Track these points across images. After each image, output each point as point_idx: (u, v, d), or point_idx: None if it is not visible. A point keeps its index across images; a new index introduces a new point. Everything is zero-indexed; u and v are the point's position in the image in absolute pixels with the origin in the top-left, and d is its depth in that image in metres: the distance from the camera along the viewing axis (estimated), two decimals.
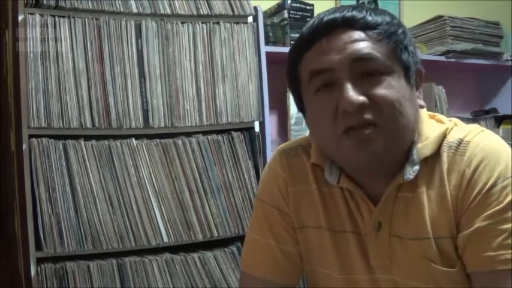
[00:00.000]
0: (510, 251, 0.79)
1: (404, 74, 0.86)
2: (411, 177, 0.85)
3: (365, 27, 0.84)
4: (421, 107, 0.91)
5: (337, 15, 0.85)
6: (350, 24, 0.84)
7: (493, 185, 0.82)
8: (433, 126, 0.91)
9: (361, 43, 0.83)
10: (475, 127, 0.90)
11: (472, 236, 0.82)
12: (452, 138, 0.88)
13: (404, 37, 0.87)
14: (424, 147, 0.87)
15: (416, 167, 0.86)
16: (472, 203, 0.83)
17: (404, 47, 0.86)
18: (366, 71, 0.83)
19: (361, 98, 0.81)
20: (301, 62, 0.89)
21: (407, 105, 0.84)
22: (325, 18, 0.85)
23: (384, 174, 0.88)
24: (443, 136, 0.88)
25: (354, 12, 0.85)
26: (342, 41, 0.84)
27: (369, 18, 0.85)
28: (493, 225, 0.81)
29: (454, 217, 0.85)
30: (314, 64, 0.86)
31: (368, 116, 0.82)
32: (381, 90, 0.82)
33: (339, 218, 0.94)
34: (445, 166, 0.86)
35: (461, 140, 0.87)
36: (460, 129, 0.90)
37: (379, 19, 0.85)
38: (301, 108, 0.95)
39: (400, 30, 0.87)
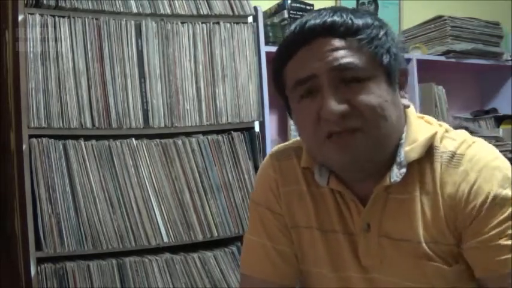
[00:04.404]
0: None
1: (386, 77, 0.86)
2: (398, 179, 0.86)
3: (345, 33, 0.84)
4: (406, 106, 0.91)
5: (318, 22, 0.85)
6: (330, 31, 0.84)
7: (495, 197, 0.83)
8: (420, 128, 0.91)
9: (341, 51, 0.84)
10: (466, 137, 0.90)
11: (480, 246, 0.83)
12: (445, 148, 0.88)
13: (386, 39, 0.87)
14: (411, 150, 0.87)
15: (403, 170, 0.86)
16: (477, 216, 0.83)
17: (386, 50, 0.86)
18: (346, 79, 0.84)
19: (342, 107, 0.82)
20: (285, 69, 0.90)
21: (390, 108, 0.85)
22: (306, 26, 0.85)
23: (371, 175, 0.89)
24: (432, 140, 0.89)
25: (335, 18, 0.85)
26: (322, 50, 0.84)
27: (349, 23, 0.84)
28: (501, 233, 0.82)
29: (447, 226, 0.86)
30: (297, 74, 0.87)
31: (349, 123, 0.83)
32: (362, 97, 0.83)
33: (329, 218, 0.95)
34: (438, 177, 0.87)
35: (454, 152, 0.87)
36: (451, 139, 0.90)
37: (360, 23, 0.85)
38: (288, 110, 0.96)
39: (381, 33, 0.86)
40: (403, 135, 0.89)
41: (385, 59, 0.86)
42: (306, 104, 0.86)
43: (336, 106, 0.82)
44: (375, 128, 0.83)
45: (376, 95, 0.84)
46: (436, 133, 0.89)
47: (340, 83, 0.84)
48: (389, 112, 0.85)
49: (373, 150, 0.85)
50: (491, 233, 0.82)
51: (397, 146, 0.88)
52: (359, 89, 0.83)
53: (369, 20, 0.86)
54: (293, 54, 0.87)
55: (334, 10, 0.87)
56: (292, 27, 0.88)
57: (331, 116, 0.82)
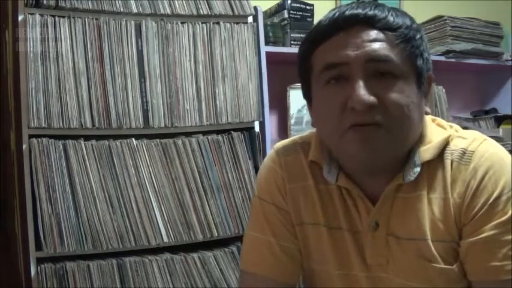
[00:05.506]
0: None
1: (416, 80, 0.86)
2: (412, 178, 0.86)
3: (385, 28, 0.84)
4: (427, 113, 0.91)
5: (360, 11, 0.84)
6: (371, 22, 0.84)
7: (499, 196, 0.83)
8: (435, 131, 0.92)
9: (379, 43, 0.83)
10: (476, 135, 0.90)
11: (477, 244, 0.83)
12: (455, 146, 0.89)
13: (421, 43, 0.87)
14: (426, 150, 0.88)
15: (417, 169, 0.86)
16: (478, 212, 0.84)
17: (420, 53, 0.86)
18: (379, 72, 0.83)
19: (372, 99, 0.81)
20: (316, 51, 0.88)
21: (415, 111, 0.85)
22: (347, 13, 0.85)
23: (383, 173, 0.89)
24: (446, 142, 0.89)
25: (376, 11, 0.85)
26: (361, 39, 0.83)
27: (390, 19, 0.84)
28: (498, 235, 0.82)
29: (455, 224, 0.86)
30: (330, 57, 0.85)
31: (376, 117, 0.82)
32: (392, 94, 0.82)
33: (336, 215, 0.94)
34: (448, 174, 0.87)
35: (465, 149, 0.87)
36: (462, 138, 0.90)
37: (399, 21, 0.85)
38: (306, 95, 0.95)
39: (418, 36, 0.87)
40: (419, 137, 0.89)
41: (419, 61, 0.86)
42: (332, 90, 0.86)
43: (367, 96, 0.81)
44: (398, 127, 0.83)
45: (405, 94, 0.83)
46: (449, 136, 0.90)
47: (372, 76, 0.83)
48: (414, 114, 0.85)
49: (392, 148, 0.85)
50: (488, 234, 0.82)
51: (413, 146, 0.88)
52: (390, 84, 0.83)
53: (408, 22, 0.86)
54: (328, 38, 0.86)
55: (376, 5, 0.87)
56: (331, 13, 0.87)
57: (360, 105, 0.81)
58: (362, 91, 0.81)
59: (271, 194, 1.00)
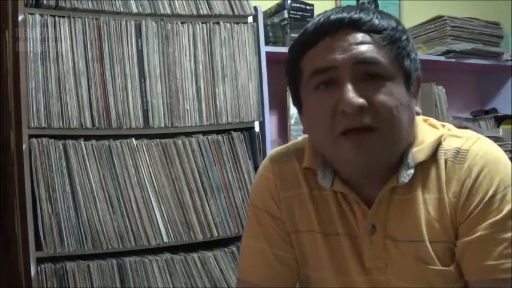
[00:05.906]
0: (510, 260, 0.80)
1: (404, 81, 0.86)
2: (406, 180, 0.86)
3: (371, 30, 0.84)
4: (417, 114, 0.91)
5: (345, 15, 0.85)
6: (356, 25, 0.84)
7: (494, 194, 0.83)
8: (427, 131, 0.91)
9: (366, 46, 0.83)
10: (470, 134, 0.90)
11: (473, 244, 0.83)
12: (449, 146, 0.88)
13: (408, 44, 0.87)
14: (419, 151, 0.88)
15: (411, 171, 0.86)
16: (473, 211, 0.83)
17: (407, 54, 0.87)
18: (368, 74, 0.83)
19: (361, 101, 0.81)
20: (305, 57, 0.88)
21: (405, 112, 0.85)
22: (332, 17, 0.85)
23: (378, 176, 0.88)
24: (439, 142, 0.89)
25: (361, 15, 0.85)
26: (347, 42, 0.83)
27: (376, 21, 0.84)
28: (493, 234, 0.82)
29: (452, 223, 0.85)
30: (318, 62, 0.85)
31: (366, 119, 0.82)
32: (381, 96, 0.82)
33: (331, 221, 0.94)
34: (443, 173, 0.86)
35: (459, 148, 0.87)
36: (455, 137, 0.90)
37: (385, 23, 0.85)
38: (297, 102, 0.95)
39: (404, 37, 0.87)
40: (411, 139, 0.89)
41: (406, 62, 0.86)
42: (322, 95, 0.85)
43: (356, 98, 0.81)
44: (390, 129, 0.83)
45: (394, 96, 0.83)
46: (442, 135, 0.90)
47: (361, 78, 0.83)
48: (404, 115, 0.84)
49: (386, 152, 0.85)
50: (483, 233, 0.82)
51: (406, 147, 0.88)
52: (379, 86, 0.83)
53: (393, 23, 0.87)
54: (316, 43, 0.86)
55: (361, 9, 0.87)
56: (316, 19, 0.88)
57: (350, 108, 0.80)
58: (351, 94, 0.81)
59: (265, 202, 1.00)
